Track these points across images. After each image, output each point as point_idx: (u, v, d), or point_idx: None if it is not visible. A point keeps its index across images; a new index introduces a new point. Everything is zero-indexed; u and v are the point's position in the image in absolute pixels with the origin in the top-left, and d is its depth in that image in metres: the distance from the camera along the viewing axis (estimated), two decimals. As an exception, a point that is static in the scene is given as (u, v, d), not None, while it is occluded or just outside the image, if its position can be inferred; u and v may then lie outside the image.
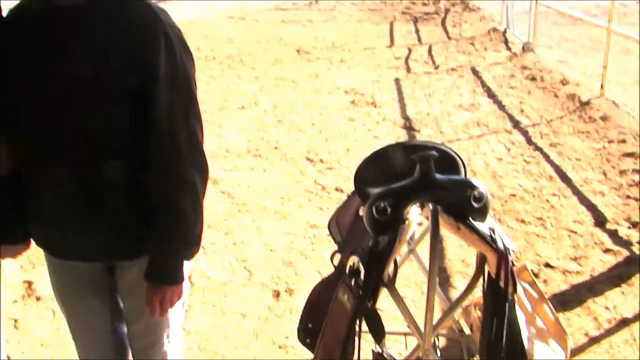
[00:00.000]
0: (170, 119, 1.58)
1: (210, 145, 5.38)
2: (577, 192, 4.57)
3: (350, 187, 4.58)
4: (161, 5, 1.65)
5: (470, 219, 1.65)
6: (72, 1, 1.57)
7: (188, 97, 1.63)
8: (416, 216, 1.79)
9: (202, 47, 9.94)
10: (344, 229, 2.17)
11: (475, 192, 1.68)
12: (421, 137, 5.87)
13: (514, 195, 4.54)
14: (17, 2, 1.70)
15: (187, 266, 1.73)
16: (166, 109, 1.57)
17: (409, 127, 6.14)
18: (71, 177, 1.60)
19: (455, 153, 1.97)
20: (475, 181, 1.72)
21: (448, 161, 1.90)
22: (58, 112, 1.56)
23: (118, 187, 1.62)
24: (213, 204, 4.33)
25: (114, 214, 1.65)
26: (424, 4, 14.99)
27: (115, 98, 1.55)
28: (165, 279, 1.68)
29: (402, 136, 5.91)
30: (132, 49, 1.53)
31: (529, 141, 5.68)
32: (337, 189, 4.65)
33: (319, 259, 3.66)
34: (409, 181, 1.71)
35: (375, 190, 1.81)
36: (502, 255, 1.60)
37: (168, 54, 1.55)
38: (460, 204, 1.68)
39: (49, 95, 1.56)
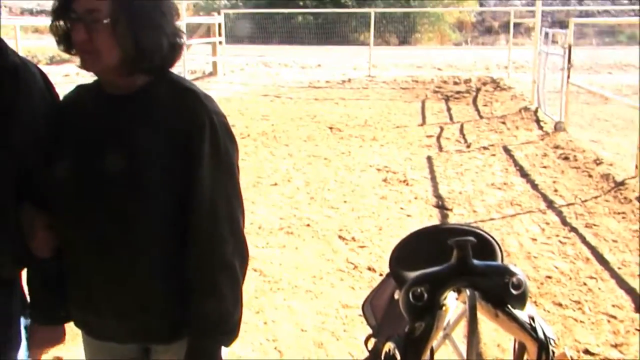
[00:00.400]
0: (212, 204, 1.62)
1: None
2: (615, 275, 4.47)
3: (382, 266, 4.55)
4: (199, 83, 1.72)
5: (509, 306, 1.63)
6: (123, 89, 1.66)
7: (231, 182, 1.67)
8: (453, 302, 1.78)
9: (237, 124, 10.15)
10: (379, 312, 2.15)
11: (514, 279, 1.66)
12: (454, 216, 5.84)
13: (549, 277, 4.46)
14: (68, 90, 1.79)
15: (224, 351, 1.73)
16: (209, 194, 1.61)
17: (441, 206, 6.12)
18: (111, 260, 1.64)
19: (492, 237, 1.96)
20: (513, 268, 1.71)
21: (485, 245, 1.90)
22: (102, 196, 1.62)
23: (157, 271, 1.65)
24: (245, 281, 4.31)
25: (152, 297, 1.66)
26: (455, 83, 15.18)
27: (160, 183, 1.61)
28: None
29: (434, 215, 5.89)
30: (178, 135, 1.60)
31: (564, 221, 5.61)
32: (369, 269, 4.62)
33: (351, 341, 3.61)
34: (446, 266, 1.71)
35: (410, 274, 1.80)
36: (543, 345, 1.57)
37: (212, 140, 1.62)
38: (499, 290, 1.67)
39: (94, 180, 1.62)
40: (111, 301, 1.67)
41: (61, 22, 1.63)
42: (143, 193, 1.60)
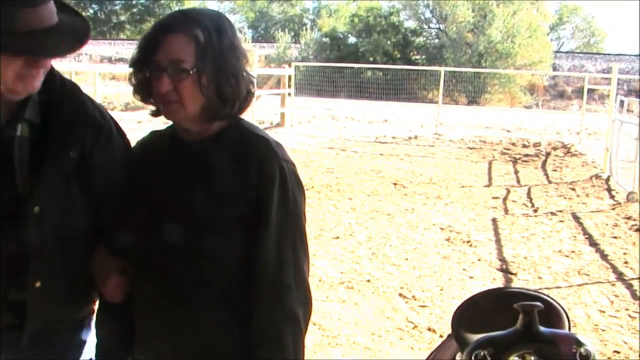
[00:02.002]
0: (279, 252, 1.64)
1: (304, 273, 5.40)
2: (688, 355, 4.26)
3: (442, 327, 4.46)
4: (272, 135, 1.77)
5: (576, 377, 1.58)
6: (197, 136, 1.72)
7: (298, 231, 1.69)
8: (517, 368, 1.73)
9: (302, 176, 10.14)
10: (439, 374, 2.11)
11: (582, 350, 1.61)
12: (518, 281, 5.70)
13: (617, 352, 4.28)
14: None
15: None
16: (275, 241, 1.64)
17: (505, 270, 5.99)
18: (177, 304, 1.68)
19: (560, 305, 1.91)
20: (582, 337, 1.65)
21: (552, 312, 1.85)
22: (172, 240, 1.66)
23: (222, 317, 1.68)
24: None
25: (214, 342, 1.69)
26: (524, 146, 15.00)
27: (230, 228, 1.65)
28: None
29: (498, 279, 5.77)
30: (250, 181, 1.64)
31: (634, 295, 5.40)
32: (429, 329, 4.54)
33: (406, 402, 3.53)
34: (510, 331, 1.67)
35: (473, 337, 1.77)
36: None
37: (282, 187, 1.66)
38: (565, 360, 1.61)
39: (166, 224, 1.67)
40: (175, 344, 1.70)
41: (140, 73, 1.68)
42: (214, 234, 1.64)
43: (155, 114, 1.76)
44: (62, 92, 1.73)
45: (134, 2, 43.66)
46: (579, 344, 1.63)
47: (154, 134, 1.85)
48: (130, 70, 1.71)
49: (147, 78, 1.66)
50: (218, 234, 1.64)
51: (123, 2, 43.79)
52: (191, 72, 1.61)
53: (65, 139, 1.69)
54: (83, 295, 1.79)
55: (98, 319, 1.85)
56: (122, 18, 44.14)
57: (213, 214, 1.64)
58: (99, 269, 1.73)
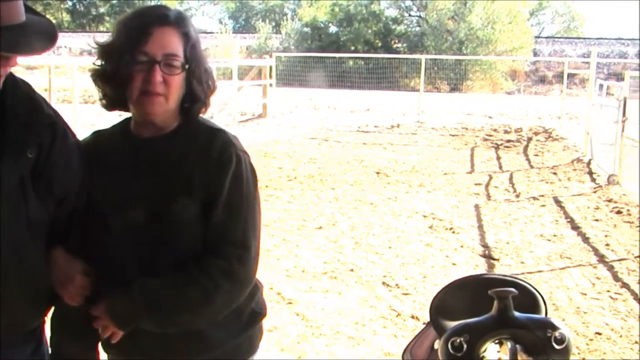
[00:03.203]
0: (229, 230, 1.71)
1: (287, 265, 5.42)
2: (668, 335, 4.31)
3: (425, 315, 4.47)
4: (249, 125, 1.82)
5: (551, 360, 1.58)
6: (156, 132, 1.76)
7: (250, 215, 1.75)
8: (493, 353, 1.74)
9: (284, 167, 10.25)
10: (418, 361, 2.11)
11: (557, 333, 1.61)
12: (501, 266, 5.73)
13: (599, 333, 4.32)
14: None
15: None
16: (226, 221, 1.71)
17: (488, 256, 6.02)
18: None
19: (536, 289, 1.91)
20: (556, 321, 1.66)
21: (528, 297, 1.85)
22: (147, 234, 1.70)
23: None
24: (287, 325, 4.30)
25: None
26: (506, 132, 15.07)
27: (199, 216, 1.70)
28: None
29: (480, 265, 5.79)
30: (210, 169, 1.70)
31: (616, 277, 5.45)
32: (412, 317, 4.56)
33: (390, 389, 3.54)
34: (486, 317, 1.67)
35: (451, 324, 1.77)
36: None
37: (237, 173, 1.72)
38: (541, 344, 1.62)
39: (137, 218, 1.69)
40: (159, 339, 1.71)
41: (118, 61, 1.67)
42: (190, 231, 1.70)
43: (110, 107, 1.78)
44: (15, 92, 1.67)
45: (113, -7, 43.27)
46: (554, 328, 1.63)
47: (99, 134, 1.86)
48: (101, 57, 1.72)
49: (124, 67, 1.65)
50: (189, 224, 1.69)
51: (102, -7, 43.39)
52: (186, 66, 1.69)
53: (21, 140, 1.63)
54: (38, 301, 1.72)
55: (55, 324, 1.80)
56: (102, 10, 43.74)
57: (184, 204, 1.67)
58: (62, 270, 1.69)
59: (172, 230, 1.69)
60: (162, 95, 1.67)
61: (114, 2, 43.22)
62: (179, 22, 1.69)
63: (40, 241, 1.68)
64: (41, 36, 1.59)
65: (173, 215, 1.68)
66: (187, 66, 1.68)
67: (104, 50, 1.71)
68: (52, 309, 1.79)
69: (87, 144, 1.82)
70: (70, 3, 42.25)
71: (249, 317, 1.83)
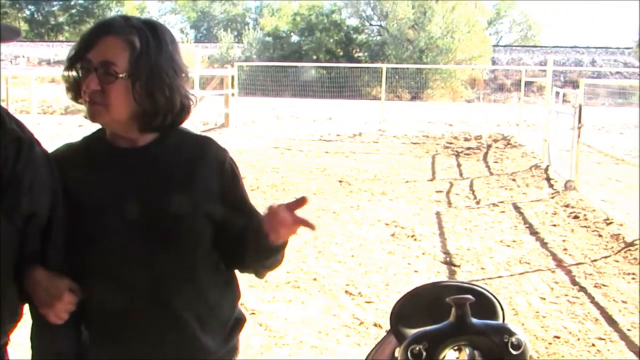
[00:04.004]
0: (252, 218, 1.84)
1: (250, 275, 5.37)
2: (624, 337, 4.40)
3: (388, 323, 4.51)
4: (211, 135, 1.83)
5: (508, 366, 1.62)
6: (132, 143, 1.74)
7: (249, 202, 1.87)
8: (453, 360, 1.76)
9: (247, 177, 10.22)
10: (379, 369, 2.13)
11: (513, 339, 1.65)
12: (462, 273, 5.80)
13: (558, 337, 4.40)
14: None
15: None
16: (245, 213, 1.85)
17: (449, 263, 6.09)
18: (160, 305, 1.74)
19: (493, 295, 1.95)
20: (513, 327, 1.69)
21: (485, 304, 1.89)
22: (147, 244, 1.70)
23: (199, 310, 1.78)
24: (250, 336, 4.29)
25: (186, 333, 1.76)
26: (466, 139, 15.26)
27: (204, 224, 1.76)
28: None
29: (442, 271, 5.86)
30: (211, 176, 1.77)
31: (573, 281, 5.56)
32: (375, 325, 4.58)
33: (354, 398, 3.56)
34: (444, 325, 1.70)
35: (411, 331, 1.80)
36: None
37: (237, 177, 1.83)
38: (498, 350, 1.65)
39: (136, 229, 1.70)
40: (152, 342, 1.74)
41: (73, 72, 1.68)
42: (192, 241, 1.74)
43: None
44: None
45: (72, 3, 42.67)
46: (510, 333, 1.67)
47: (69, 147, 1.81)
48: (64, 68, 1.71)
49: (78, 76, 1.67)
50: (192, 233, 1.73)
51: (61, 3, 42.75)
52: (121, 75, 1.62)
53: None
54: (6, 318, 1.69)
55: (39, 340, 1.75)
56: (61, 19, 43.12)
57: (187, 212, 1.70)
58: (46, 291, 1.63)
59: (172, 228, 1.69)
60: (100, 105, 1.64)
61: (72, 11, 42.68)
62: (123, 30, 1.64)
63: (6, 260, 1.61)
64: (6, 28, 1.58)
65: (171, 213, 1.69)
66: (126, 75, 1.62)
67: (67, 59, 1.70)
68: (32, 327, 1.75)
69: (59, 155, 1.77)
70: (28, 12, 41.58)
71: (234, 323, 1.89)
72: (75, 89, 1.70)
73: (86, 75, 1.63)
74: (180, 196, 1.70)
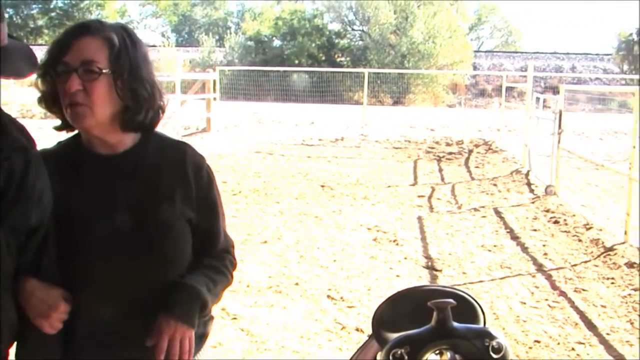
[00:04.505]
0: (217, 229, 1.87)
1: (231, 279, 5.36)
2: (603, 341, 4.44)
3: (370, 327, 4.51)
4: (193, 139, 1.84)
5: (489, 370, 1.62)
6: (112, 148, 1.72)
7: (222, 214, 1.89)
8: (434, 364, 1.77)
9: (229, 181, 10.19)
10: (361, 374, 2.13)
11: (494, 343, 1.65)
12: (443, 277, 5.82)
13: (538, 341, 4.43)
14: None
15: None
16: (216, 223, 1.87)
17: (430, 267, 6.11)
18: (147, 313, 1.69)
19: (474, 299, 1.96)
20: (493, 331, 1.70)
21: (466, 308, 1.89)
22: (132, 252, 1.69)
23: None
24: (232, 341, 4.27)
25: None
26: (448, 144, 15.35)
27: (184, 229, 1.78)
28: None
29: (424, 276, 5.87)
30: (189, 183, 1.78)
31: (553, 285, 5.60)
32: (357, 329, 4.58)
33: (335, 403, 3.55)
34: (426, 329, 1.70)
35: (392, 335, 1.80)
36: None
37: (213, 184, 1.86)
38: (479, 353, 1.66)
39: (111, 227, 1.67)
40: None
41: (48, 78, 1.65)
42: (176, 246, 1.75)
43: (60, 128, 1.73)
44: None
45: (51, 6, 42.34)
46: (491, 337, 1.67)
47: (43, 153, 1.70)
48: (36, 76, 1.67)
49: (53, 83, 1.63)
50: (178, 239, 1.74)
51: (40, 6, 42.40)
52: (105, 71, 1.61)
53: None
54: (6, 334, 1.64)
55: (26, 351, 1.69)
56: (40, 23, 42.74)
57: (172, 218, 1.72)
58: (41, 301, 1.59)
59: (157, 235, 1.70)
60: (84, 105, 1.61)
61: (52, 14, 42.35)
62: (99, 30, 1.64)
63: (6, 275, 1.54)
64: (24, 59, 1.55)
65: (159, 220, 1.70)
66: (108, 71, 1.62)
67: (38, 73, 1.66)
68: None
69: (46, 154, 1.71)
70: (6, 15, 41.14)
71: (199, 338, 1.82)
72: (50, 97, 1.67)
73: (67, 77, 1.59)
74: (164, 203, 1.70)
